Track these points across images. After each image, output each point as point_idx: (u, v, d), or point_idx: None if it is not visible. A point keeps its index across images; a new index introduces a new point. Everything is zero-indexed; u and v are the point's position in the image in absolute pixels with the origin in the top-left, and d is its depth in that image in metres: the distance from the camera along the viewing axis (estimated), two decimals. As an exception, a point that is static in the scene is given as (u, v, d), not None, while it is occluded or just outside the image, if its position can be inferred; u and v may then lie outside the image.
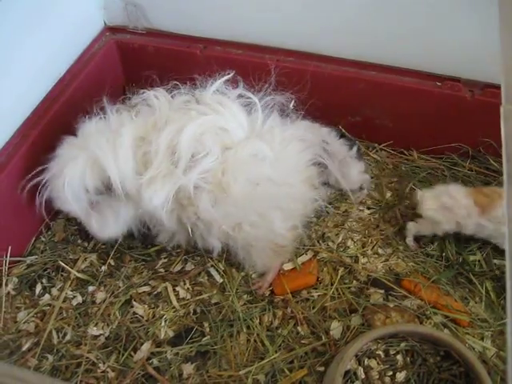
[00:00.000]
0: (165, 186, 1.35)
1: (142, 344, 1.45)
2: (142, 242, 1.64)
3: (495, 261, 1.63)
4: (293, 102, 1.54)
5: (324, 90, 1.76)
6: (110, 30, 1.96)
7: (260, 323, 1.48)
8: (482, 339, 1.48)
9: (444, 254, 1.62)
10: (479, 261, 1.61)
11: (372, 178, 1.81)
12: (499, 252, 1.60)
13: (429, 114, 1.75)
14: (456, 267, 1.58)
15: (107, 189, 1.38)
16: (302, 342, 1.45)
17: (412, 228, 1.61)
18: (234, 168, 1.37)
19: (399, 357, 1.38)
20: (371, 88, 1.75)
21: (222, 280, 1.58)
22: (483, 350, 1.44)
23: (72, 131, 1.43)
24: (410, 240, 1.63)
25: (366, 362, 1.35)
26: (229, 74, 1.46)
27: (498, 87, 1.58)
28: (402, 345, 1.39)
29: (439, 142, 1.82)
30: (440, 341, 1.34)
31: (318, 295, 1.54)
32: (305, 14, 1.66)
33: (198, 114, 1.41)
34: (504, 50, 0.83)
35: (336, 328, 1.46)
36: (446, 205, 1.53)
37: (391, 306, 1.49)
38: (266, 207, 1.43)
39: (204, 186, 1.36)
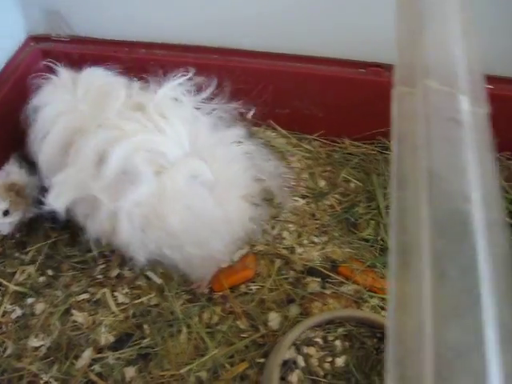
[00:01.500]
0: (71, 192, 1.35)
1: (83, 351, 1.49)
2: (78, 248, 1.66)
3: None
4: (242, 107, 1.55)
5: (250, 85, 1.80)
6: (34, 39, 1.98)
7: (200, 321, 1.53)
8: (418, 318, 1.50)
9: (379, 238, 1.66)
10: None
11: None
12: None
13: (356, 101, 1.81)
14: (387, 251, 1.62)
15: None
16: (242, 335, 1.49)
17: None
18: (171, 195, 1.33)
19: (338, 342, 1.44)
20: (297, 80, 1.80)
21: (160, 281, 1.60)
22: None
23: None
24: None
25: (305, 350, 1.41)
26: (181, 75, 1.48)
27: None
28: (340, 330, 1.45)
29: (369, 127, 1.89)
30: (376, 323, 1.41)
31: (257, 288, 1.59)
32: (223, 10, 1.70)
33: (135, 128, 1.37)
34: (398, 30, 0.87)
35: (274, 319, 1.51)
36: None
37: (328, 293, 1.55)
38: (206, 230, 1.41)
39: (135, 210, 1.32)
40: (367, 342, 1.45)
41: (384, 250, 1.67)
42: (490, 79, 1.70)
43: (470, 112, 0.77)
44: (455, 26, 0.89)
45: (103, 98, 1.44)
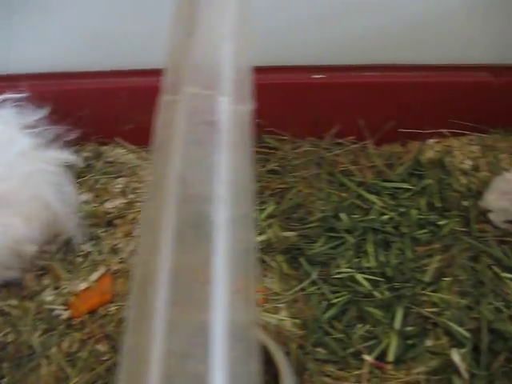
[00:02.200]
0: None
1: None
2: None
3: (285, 233, 1.81)
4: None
5: (89, 104, 1.80)
6: None
7: (59, 350, 1.50)
8: (278, 312, 1.55)
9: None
10: (263, 241, 1.76)
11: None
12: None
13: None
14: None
15: None
16: (103, 359, 1.48)
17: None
18: None
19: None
20: (138, 94, 1.81)
21: (15, 313, 1.57)
22: (279, 322, 1.52)
23: None
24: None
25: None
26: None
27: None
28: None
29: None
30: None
31: (116, 309, 1.58)
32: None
33: None
34: (170, 34, 0.88)
35: (133, 337, 1.49)
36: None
37: (185, 302, 1.55)
38: None
39: None
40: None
41: (240, 250, 1.69)
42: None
43: (231, 112, 0.80)
44: (227, 25, 0.92)
45: None
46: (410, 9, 1.75)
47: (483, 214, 1.80)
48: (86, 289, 1.66)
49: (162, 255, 0.63)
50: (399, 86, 1.88)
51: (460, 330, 1.53)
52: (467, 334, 1.52)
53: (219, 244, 0.64)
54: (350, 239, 1.70)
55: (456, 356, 1.46)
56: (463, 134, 2.06)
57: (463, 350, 1.50)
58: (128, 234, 1.80)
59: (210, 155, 0.73)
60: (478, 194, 1.82)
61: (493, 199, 1.75)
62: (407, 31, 1.80)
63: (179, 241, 0.64)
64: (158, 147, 0.78)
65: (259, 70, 1.76)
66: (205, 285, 0.60)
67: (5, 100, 1.49)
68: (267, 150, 1.96)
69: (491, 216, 1.78)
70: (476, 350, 1.51)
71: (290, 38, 1.74)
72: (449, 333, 1.54)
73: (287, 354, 1.49)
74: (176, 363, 0.56)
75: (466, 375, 1.45)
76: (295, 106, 1.88)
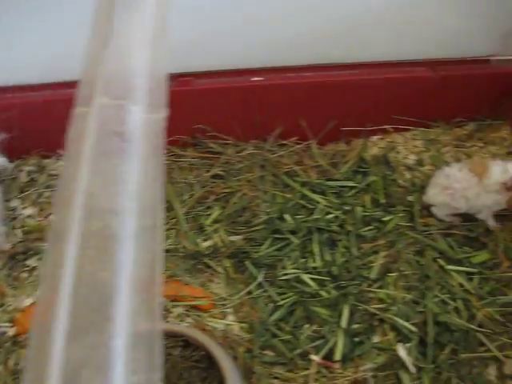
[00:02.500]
0: None
1: None
2: None
3: (231, 237, 1.82)
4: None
5: (29, 117, 1.79)
6: None
7: (5, 368, 1.48)
8: (225, 317, 1.55)
9: (180, 246, 1.69)
10: (209, 246, 1.78)
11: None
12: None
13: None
14: (192, 257, 1.72)
15: None
16: (48, 374, 1.45)
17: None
18: None
19: (145, 359, 1.43)
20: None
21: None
22: (226, 327, 1.52)
23: None
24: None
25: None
26: None
27: (189, 75, 1.70)
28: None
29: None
30: (173, 332, 1.42)
31: (60, 323, 1.55)
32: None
33: None
34: (88, 46, 0.87)
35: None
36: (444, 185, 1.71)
37: (131, 311, 1.54)
38: None
39: None
40: (173, 353, 1.46)
41: (186, 257, 1.70)
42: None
43: (143, 121, 0.80)
44: (143, 36, 0.92)
45: None
46: (346, 9, 1.76)
47: (427, 208, 1.82)
48: (32, 304, 1.63)
49: (65, 268, 0.63)
50: (339, 85, 1.90)
51: (406, 324, 1.54)
52: (413, 328, 1.54)
53: (124, 256, 0.64)
54: (295, 240, 1.71)
55: (402, 351, 1.48)
56: (406, 130, 2.09)
57: (410, 345, 1.51)
58: (72, 247, 1.77)
59: (118, 166, 0.73)
60: (423, 189, 1.85)
61: (434, 194, 1.77)
62: (345, 31, 1.82)
63: (83, 253, 0.64)
64: (67, 160, 0.78)
65: (198, 76, 1.78)
66: (108, 294, 0.61)
67: None
68: (211, 155, 1.97)
69: (434, 210, 1.81)
70: (423, 343, 1.53)
71: (228, 42, 1.75)
72: (395, 328, 1.56)
73: (235, 358, 1.49)
74: (76, 373, 0.56)
75: (412, 369, 1.46)
76: (236, 109, 1.88)
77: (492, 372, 1.51)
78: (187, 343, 1.46)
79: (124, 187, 0.69)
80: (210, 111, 1.87)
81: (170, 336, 1.46)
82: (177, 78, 1.80)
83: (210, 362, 1.39)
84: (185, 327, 1.47)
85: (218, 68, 1.82)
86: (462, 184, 1.68)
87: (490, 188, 1.67)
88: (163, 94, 0.84)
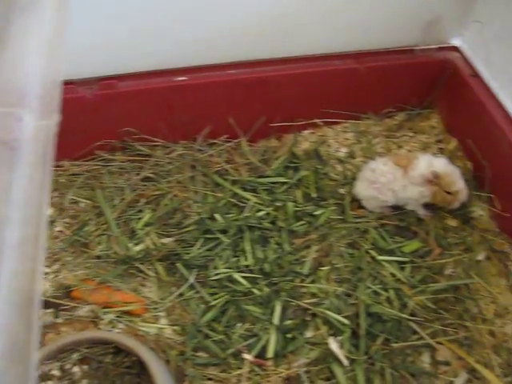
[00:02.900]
0: None
1: None
2: None
3: (163, 240, 1.82)
4: None
5: None
6: None
7: None
8: (158, 321, 1.54)
9: (112, 252, 1.68)
10: (141, 250, 1.78)
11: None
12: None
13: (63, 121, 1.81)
14: (124, 262, 1.72)
15: None
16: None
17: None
18: None
19: (76, 368, 1.43)
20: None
21: None
22: (159, 331, 1.51)
23: None
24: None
25: (42, 386, 1.38)
26: None
27: (112, 78, 1.69)
28: (75, 356, 1.43)
29: (85, 144, 1.91)
30: (103, 339, 1.41)
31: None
32: None
33: None
34: None
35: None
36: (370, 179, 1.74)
37: (61, 321, 1.53)
38: None
39: None
40: (105, 360, 1.46)
41: (117, 262, 1.68)
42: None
43: (32, 128, 0.78)
44: (37, 41, 0.90)
45: None
46: (268, 4, 1.77)
47: (358, 200, 1.84)
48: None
49: None
50: (265, 81, 1.90)
51: (338, 317, 1.56)
52: (346, 321, 1.55)
53: (4, 266, 0.63)
54: (226, 239, 1.71)
55: (333, 344, 1.49)
56: (337, 123, 2.11)
57: (342, 337, 1.52)
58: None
59: (2, 175, 0.72)
60: (354, 181, 1.86)
61: (362, 188, 1.80)
62: (268, 26, 1.82)
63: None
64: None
65: (122, 78, 1.77)
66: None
67: None
68: (140, 158, 1.96)
69: (364, 203, 1.83)
70: (355, 335, 1.54)
71: (150, 42, 1.74)
72: (328, 322, 1.57)
73: (168, 362, 1.49)
74: None
75: (345, 362, 1.48)
76: (162, 110, 1.88)
77: (426, 359, 1.53)
78: (118, 350, 1.46)
79: (8, 196, 0.68)
80: (135, 113, 1.86)
81: (100, 343, 1.46)
82: (99, 82, 1.79)
83: (142, 367, 1.39)
84: (114, 333, 1.46)
85: (141, 69, 1.80)
86: (387, 177, 1.71)
87: (415, 180, 1.69)
88: (56, 100, 0.83)
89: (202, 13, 1.70)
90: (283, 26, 1.80)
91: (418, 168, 1.70)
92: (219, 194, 1.84)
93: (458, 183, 1.74)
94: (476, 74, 1.92)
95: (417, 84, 2.07)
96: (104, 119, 1.84)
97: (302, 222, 1.78)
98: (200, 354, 1.52)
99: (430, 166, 1.69)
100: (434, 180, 1.67)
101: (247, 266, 1.67)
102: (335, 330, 1.55)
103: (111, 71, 1.79)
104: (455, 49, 2.03)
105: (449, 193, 1.72)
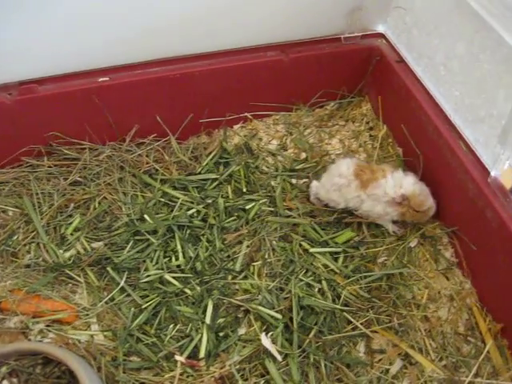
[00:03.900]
0: None
1: None
2: None
3: (93, 244, 1.80)
4: None
5: None
6: None
7: None
8: (89, 327, 1.52)
9: (41, 259, 1.66)
10: (71, 256, 1.75)
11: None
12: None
13: None
14: (54, 269, 1.69)
15: None
16: None
17: None
18: None
19: (5, 382, 1.41)
20: None
21: None
22: (90, 338, 1.50)
23: None
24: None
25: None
26: None
27: (32, 82, 1.77)
28: (3, 369, 1.41)
29: (10, 151, 1.90)
30: (32, 350, 1.39)
31: None
32: None
33: None
34: None
35: None
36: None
37: (-14, 334, 1.50)
38: None
39: None
40: (35, 371, 1.43)
41: (47, 270, 1.66)
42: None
43: None
44: None
45: None
46: (189, 0, 1.75)
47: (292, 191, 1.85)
48: None
49: None
50: (190, 77, 1.90)
51: (271, 312, 1.56)
52: (278, 316, 1.56)
53: None
54: (156, 240, 1.69)
55: (265, 340, 1.49)
56: (268, 115, 2.11)
57: (274, 332, 1.52)
58: None
59: None
60: (286, 172, 1.88)
61: (319, 186, 1.82)
62: (190, 22, 1.81)
63: None
64: None
65: (42, 82, 1.74)
66: None
67: None
68: (68, 162, 1.94)
69: (314, 200, 1.84)
70: (289, 329, 1.54)
71: (70, 44, 1.72)
72: (261, 317, 1.56)
73: (99, 369, 1.47)
74: None
75: (279, 357, 1.48)
76: (87, 112, 1.86)
77: (361, 349, 1.55)
78: (48, 360, 1.43)
79: None
80: (60, 117, 1.83)
81: (29, 354, 1.43)
82: (19, 87, 1.76)
83: (72, 376, 1.37)
84: (43, 344, 1.45)
85: (62, 72, 1.78)
86: (341, 181, 1.74)
87: (379, 198, 1.73)
88: None
89: (124, 12, 1.68)
90: (205, 21, 1.80)
91: (384, 187, 1.70)
92: (149, 194, 1.82)
93: (427, 202, 1.74)
94: (401, 60, 1.93)
95: (346, 72, 2.08)
96: (27, 124, 1.81)
97: (233, 218, 1.79)
98: (132, 358, 1.51)
99: (397, 186, 1.69)
100: (404, 202, 1.66)
101: (178, 266, 1.66)
102: (268, 326, 1.54)
103: (30, 75, 1.75)
104: (381, 35, 2.03)
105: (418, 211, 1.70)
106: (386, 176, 1.71)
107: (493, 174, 1.53)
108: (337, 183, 1.70)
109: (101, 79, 1.81)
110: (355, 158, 1.80)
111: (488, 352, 1.52)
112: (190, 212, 1.78)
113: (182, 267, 1.65)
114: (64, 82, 1.81)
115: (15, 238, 1.76)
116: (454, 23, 1.61)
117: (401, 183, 1.68)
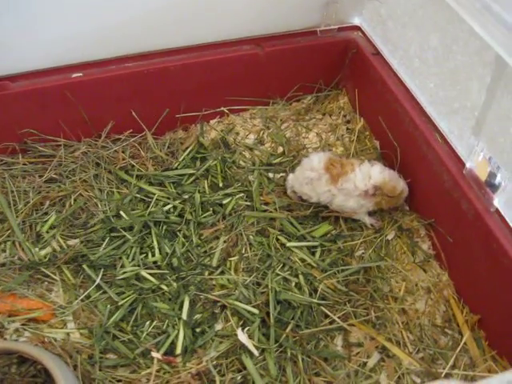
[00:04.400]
0: None
1: None
2: None
3: (69, 242, 1.78)
4: None
5: None
6: None
7: None
8: (65, 325, 1.52)
9: (17, 257, 1.65)
10: (46, 254, 1.74)
11: None
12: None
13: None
14: (29, 267, 1.68)
15: None
16: None
17: None
18: None
19: (-19, 383, 1.39)
20: None
21: None
22: (67, 336, 1.49)
23: None
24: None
25: None
26: None
27: (3, 79, 1.78)
28: (-21, 369, 1.39)
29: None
30: (6, 350, 1.38)
31: None
32: None
33: None
34: None
35: None
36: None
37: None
38: None
39: None
40: (10, 370, 1.42)
41: (22, 268, 1.65)
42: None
43: None
44: None
45: None
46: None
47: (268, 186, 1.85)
48: None
49: None
50: (165, 72, 1.89)
51: (248, 307, 1.56)
52: (255, 311, 1.56)
53: None
54: (132, 236, 1.69)
55: (241, 335, 1.49)
56: (245, 110, 2.10)
57: (250, 327, 1.52)
58: None
59: None
60: (263, 166, 1.87)
61: (293, 178, 1.82)
62: (164, 17, 1.80)
63: None
64: None
65: (14, 78, 1.72)
66: None
67: None
68: (43, 159, 1.92)
69: (291, 194, 1.83)
70: (266, 324, 1.54)
71: (42, 39, 1.71)
72: (238, 313, 1.56)
73: (75, 367, 1.46)
74: None
75: (255, 352, 1.48)
76: (60, 108, 1.85)
77: (338, 343, 1.55)
78: (23, 359, 1.42)
79: None
80: (34, 114, 1.82)
81: (3, 354, 1.42)
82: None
83: (48, 374, 1.36)
84: (17, 343, 1.44)
85: (35, 68, 1.76)
86: (312, 175, 1.73)
87: (350, 192, 1.74)
88: None
89: (97, 7, 1.67)
90: (179, 15, 1.79)
91: (353, 181, 1.71)
92: (125, 191, 1.81)
93: (398, 186, 1.75)
94: (377, 52, 1.93)
95: (322, 65, 2.08)
96: (0, 122, 1.79)
97: (210, 213, 1.78)
98: (109, 355, 1.50)
99: (366, 179, 1.70)
100: (376, 193, 1.67)
101: (155, 262, 1.66)
102: (245, 321, 1.54)
103: (3, 72, 1.74)
104: (357, 28, 2.03)
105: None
106: (355, 170, 1.68)
107: (468, 165, 1.53)
108: (308, 176, 1.70)
109: (74, 75, 1.80)
110: (328, 152, 1.79)
111: (465, 343, 1.52)
112: (167, 208, 1.77)
113: (159, 263, 1.64)
114: (37, 78, 1.79)
115: (-9, 237, 1.73)
116: (428, 15, 1.62)
117: (369, 174, 1.70)
